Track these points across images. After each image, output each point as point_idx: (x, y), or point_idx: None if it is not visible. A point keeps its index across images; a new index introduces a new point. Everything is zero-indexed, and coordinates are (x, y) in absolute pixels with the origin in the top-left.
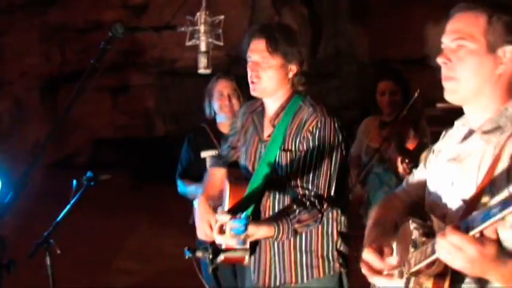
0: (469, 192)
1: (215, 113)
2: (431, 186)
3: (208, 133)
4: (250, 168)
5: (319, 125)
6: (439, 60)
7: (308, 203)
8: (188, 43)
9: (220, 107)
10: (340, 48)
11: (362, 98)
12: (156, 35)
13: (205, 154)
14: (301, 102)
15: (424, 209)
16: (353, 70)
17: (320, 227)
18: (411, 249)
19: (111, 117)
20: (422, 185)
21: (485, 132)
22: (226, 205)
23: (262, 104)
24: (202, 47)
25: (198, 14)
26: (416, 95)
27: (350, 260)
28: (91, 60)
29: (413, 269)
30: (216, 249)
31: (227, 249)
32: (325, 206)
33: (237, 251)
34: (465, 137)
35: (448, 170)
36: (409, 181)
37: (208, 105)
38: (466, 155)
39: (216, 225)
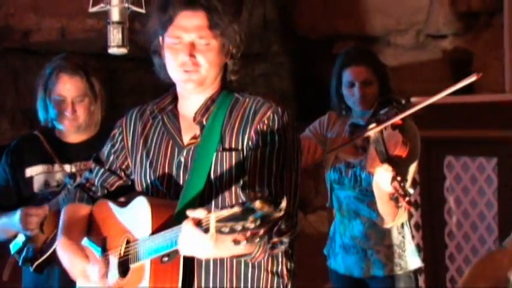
0: None
1: (53, 120)
2: None
3: (42, 143)
4: (163, 187)
5: (276, 117)
6: None
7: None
8: (92, 9)
9: (59, 116)
10: (270, 19)
11: (300, 88)
12: None
13: (34, 171)
14: (236, 94)
15: None
16: (289, 50)
17: (269, 263)
18: None
19: None
20: None
21: None
22: (145, 229)
23: (172, 102)
24: (115, 16)
25: None
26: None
27: None
28: None
29: None
30: None
31: None
32: (295, 221)
33: None
34: None
35: None
36: None
37: (43, 107)
38: None
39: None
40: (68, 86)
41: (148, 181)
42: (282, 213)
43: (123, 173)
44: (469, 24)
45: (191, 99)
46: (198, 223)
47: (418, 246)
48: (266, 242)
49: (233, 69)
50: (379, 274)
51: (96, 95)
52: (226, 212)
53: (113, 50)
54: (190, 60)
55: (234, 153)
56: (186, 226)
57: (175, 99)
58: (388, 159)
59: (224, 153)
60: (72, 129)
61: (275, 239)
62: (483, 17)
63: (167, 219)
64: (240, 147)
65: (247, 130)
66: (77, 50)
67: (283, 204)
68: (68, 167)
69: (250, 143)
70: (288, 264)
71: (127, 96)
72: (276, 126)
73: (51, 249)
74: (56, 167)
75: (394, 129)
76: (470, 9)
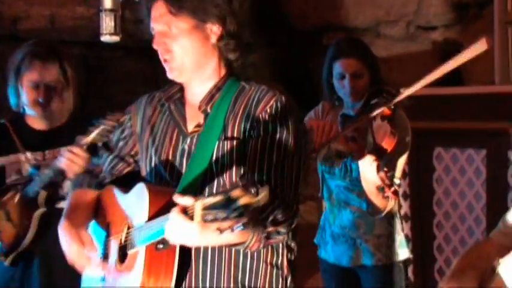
0: None
1: (24, 106)
2: None
3: (9, 132)
4: (166, 174)
5: (279, 105)
6: None
7: (276, 201)
8: None
9: (31, 101)
10: (260, 9)
11: (290, 79)
12: None
13: (2, 161)
14: (242, 83)
15: None
16: (279, 41)
17: (269, 255)
18: None
19: None
20: None
21: None
22: (142, 216)
23: (180, 90)
24: (108, 3)
25: None
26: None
27: None
28: None
29: None
30: None
31: None
32: (294, 210)
33: None
34: None
35: None
36: (507, 221)
37: (15, 93)
38: None
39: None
40: (41, 72)
41: (153, 167)
42: (263, 202)
43: (131, 159)
44: (459, 16)
45: (196, 87)
46: (184, 211)
47: (406, 237)
48: (261, 232)
49: (228, 48)
50: (367, 263)
51: (69, 81)
52: (211, 200)
53: (105, 38)
54: (160, 48)
55: (235, 142)
56: (173, 214)
57: (183, 87)
58: (374, 149)
59: (226, 142)
60: (44, 115)
61: (270, 229)
62: (473, 9)
63: (164, 206)
64: (242, 136)
65: (250, 118)
66: (66, 38)
67: (264, 192)
68: (37, 156)
69: (252, 131)
70: (289, 255)
71: (116, 84)
72: (279, 115)
73: (26, 243)
74: (27, 155)
75: (383, 120)
76: (461, 0)
